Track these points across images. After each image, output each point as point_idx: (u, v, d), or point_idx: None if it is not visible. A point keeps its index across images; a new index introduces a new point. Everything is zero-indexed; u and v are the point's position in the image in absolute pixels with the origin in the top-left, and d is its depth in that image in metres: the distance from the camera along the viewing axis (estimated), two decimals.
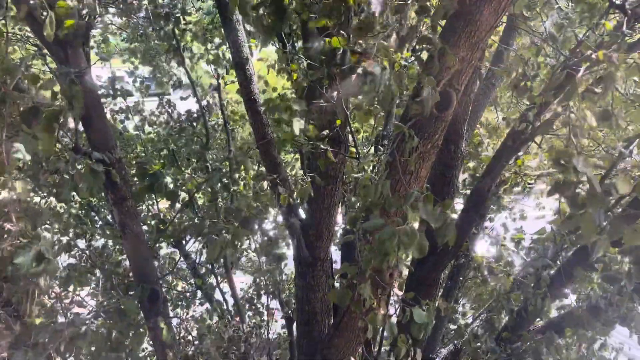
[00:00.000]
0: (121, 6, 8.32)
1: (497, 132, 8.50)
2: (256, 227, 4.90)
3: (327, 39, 3.29)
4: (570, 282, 5.85)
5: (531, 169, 7.38)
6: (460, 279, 7.42)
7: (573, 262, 5.75)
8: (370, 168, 5.39)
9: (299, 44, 5.41)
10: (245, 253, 8.50)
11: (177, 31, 7.78)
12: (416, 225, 2.76)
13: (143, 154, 7.94)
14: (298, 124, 3.58)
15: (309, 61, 4.01)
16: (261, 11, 3.89)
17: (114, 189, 5.00)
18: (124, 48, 10.32)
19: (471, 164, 7.69)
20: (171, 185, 5.50)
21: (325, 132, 4.45)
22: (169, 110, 8.88)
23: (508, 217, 8.97)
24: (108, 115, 7.68)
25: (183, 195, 6.43)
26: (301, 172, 4.58)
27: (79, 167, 4.59)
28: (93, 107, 4.72)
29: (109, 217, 8.42)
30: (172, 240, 7.56)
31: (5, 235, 4.10)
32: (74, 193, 5.05)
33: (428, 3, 3.30)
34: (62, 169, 4.50)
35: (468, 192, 7.16)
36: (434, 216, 2.84)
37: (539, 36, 5.37)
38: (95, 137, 4.82)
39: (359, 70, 2.96)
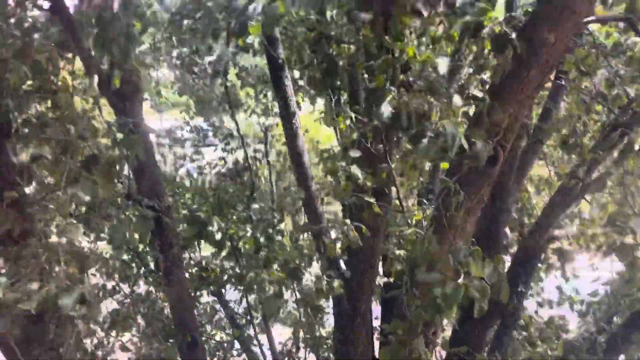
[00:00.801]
0: (176, 62, 8.85)
1: (546, 188, 8.29)
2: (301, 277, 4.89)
3: (394, 102, 3.35)
4: (626, 347, 5.49)
5: (585, 226, 7.11)
6: (507, 339, 7.06)
7: (630, 326, 5.42)
8: (415, 222, 5.34)
9: (345, 97, 5.56)
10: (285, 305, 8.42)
11: (228, 85, 8.17)
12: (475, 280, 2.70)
13: (190, 201, 8.17)
14: (358, 172, 3.64)
15: (356, 115, 4.11)
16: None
17: (162, 235, 5.12)
18: (176, 101, 10.87)
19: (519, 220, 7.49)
20: (218, 235, 5.60)
21: (370, 184, 4.47)
22: (217, 162, 9.18)
23: (558, 277, 8.58)
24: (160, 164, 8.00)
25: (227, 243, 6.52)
26: (345, 223, 4.58)
27: (129, 213, 4.76)
28: (146, 155, 4.94)
29: (152, 264, 8.59)
30: (212, 288, 7.61)
31: (53, 277, 4.24)
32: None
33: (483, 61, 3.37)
34: (115, 215, 4.68)
35: (515, 249, 6.94)
36: (487, 272, 2.77)
37: (588, 94, 5.32)
38: (146, 184, 5.00)
39: (430, 133, 3.01)
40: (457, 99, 3.22)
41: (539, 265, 7.48)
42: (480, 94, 3.24)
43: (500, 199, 5.85)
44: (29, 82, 4.04)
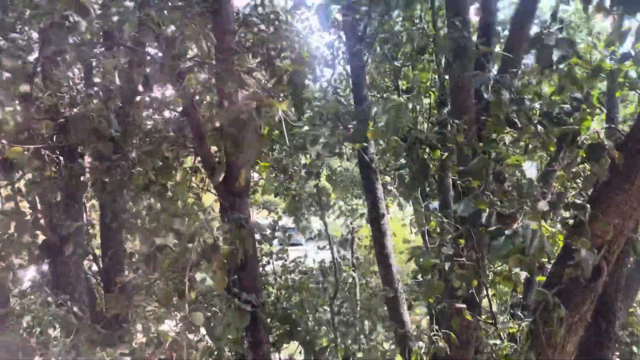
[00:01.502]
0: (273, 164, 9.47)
1: None
2: None
3: (474, 201, 3.41)
4: None
5: None
6: None
7: None
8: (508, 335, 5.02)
9: (436, 203, 5.62)
10: None
11: (318, 185, 8.56)
12: None
13: (276, 300, 8.27)
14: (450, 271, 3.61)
15: (446, 219, 4.15)
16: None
17: (255, 331, 5.08)
18: (266, 199, 11.45)
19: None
20: (308, 337, 5.54)
21: (460, 292, 4.36)
22: (303, 261, 9.35)
23: None
24: None
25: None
26: (433, 329, 4.43)
27: (228, 306, 4.87)
28: (252, 250, 5.13)
29: None
30: None
31: None
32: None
33: (577, 169, 3.36)
34: (218, 306, 4.77)
35: None
36: None
37: None
38: (247, 278, 5.09)
39: (507, 232, 2.99)
40: (542, 204, 3.18)
41: None
42: (580, 202, 3.19)
43: (606, 320, 5.37)
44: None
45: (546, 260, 4.03)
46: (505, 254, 3.02)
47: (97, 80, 4.81)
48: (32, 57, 3.81)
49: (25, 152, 3.75)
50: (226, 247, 3.44)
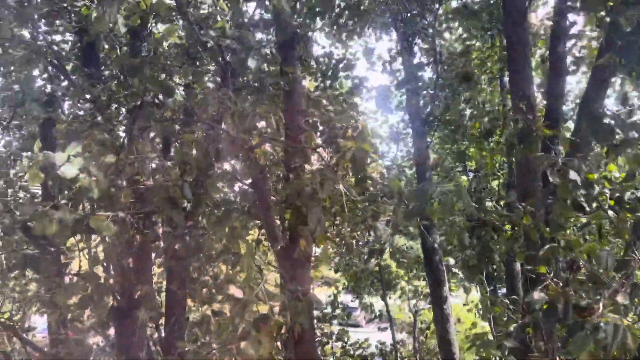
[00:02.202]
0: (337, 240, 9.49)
1: None
2: None
3: (547, 291, 3.24)
4: None
5: None
6: None
7: None
8: None
9: (503, 288, 5.36)
10: None
11: (381, 263, 8.44)
12: None
13: None
14: None
15: (513, 306, 3.94)
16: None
17: None
18: (327, 275, 11.35)
19: None
20: None
21: None
22: (363, 342, 9.05)
23: None
24: None
25: None
26: None
27: None
28: (309, 324, 5.07)
29: None
30: None
31: None
32: None
33: None
34: None
35: None
36: None
37: None
38: (302, 352, 5.01)
39: (587, 326, 2.79)
40: (622, 296, 2.95)
41: None
42: None
43: None
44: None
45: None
46: (585, 349, 2.80)
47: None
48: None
49: (107, 219, 4.04)
50: (278, 319, 3.44)
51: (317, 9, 7.61)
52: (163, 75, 4.60)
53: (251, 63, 3.63)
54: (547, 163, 3.65)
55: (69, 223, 3.62)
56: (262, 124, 3.95)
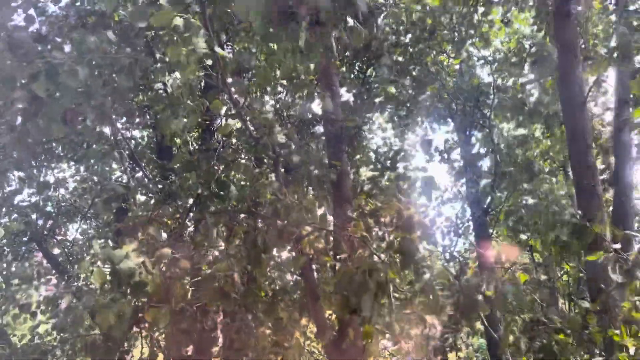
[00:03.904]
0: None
1: None
2: None
3: None
4: None
5: None
6: None
7: None
8: None
9: None
10: None
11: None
12: None
13: None
14: None
15: None
16: None
17: None
18: None
19: None
20: None
21: None
22: None
23: None
24: None
25: None
26: None
27: None
28: None
29: None
30: None
31: None
32: None
33: None
34: None
35: None
36: None
37: None
38: None
39: None
40: None
41: None
42: None
43: None
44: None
45: None
46: None
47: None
48: None
49: (163, 311, 4.14)
50: None
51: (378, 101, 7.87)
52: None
53: (296, 158, 3.79)
54: (611, 261, 3.40)
55: (127, 315, 3.75)
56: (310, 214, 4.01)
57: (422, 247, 3.80)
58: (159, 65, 5.35)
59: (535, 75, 7.93)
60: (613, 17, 6.42)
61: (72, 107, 4.10)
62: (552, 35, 6.17)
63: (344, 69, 7.37)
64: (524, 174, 7.57)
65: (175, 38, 3.27)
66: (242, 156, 5.00)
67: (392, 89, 8.03)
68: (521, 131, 8.79)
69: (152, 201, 5.16)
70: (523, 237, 7.68)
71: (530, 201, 7.39)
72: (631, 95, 6.23)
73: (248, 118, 3.98)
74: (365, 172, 6.71)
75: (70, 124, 4.29)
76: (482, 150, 8.68)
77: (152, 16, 3.15)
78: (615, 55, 5.56)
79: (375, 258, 3.79)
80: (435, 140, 12.80)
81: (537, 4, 7.31)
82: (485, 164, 8.90)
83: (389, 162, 6.76)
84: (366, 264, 3.77)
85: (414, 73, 7.81)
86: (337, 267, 4.08)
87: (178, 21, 3.04)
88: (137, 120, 7.69)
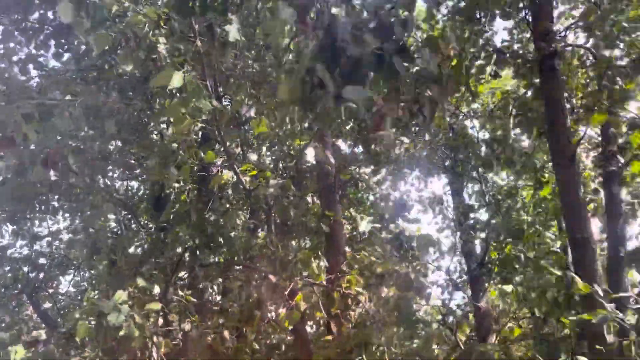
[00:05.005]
0: None
1: None
2: None
3: None
4: None
5: None
6: None
7: None
8: None
9: None
10: None
11: None
12: None
13: None
14: None
15: None
16: None
17: None
18: None
19: None
20: None
21: None
22: None
23: None
24: None
25: None
26: None
27: None
28: None
29: None
30: None
31: None
32: None
33: None
34: None
35: None
36: None
37: None
38: None
39: None
40: None
41: None
42: None
43: None
44: None
45: None
46: None
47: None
48: None
49: None
50: None
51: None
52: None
53: (292, 211, 3.77)
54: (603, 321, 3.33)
55: None
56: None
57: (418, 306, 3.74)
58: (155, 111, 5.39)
59: (521, 130, 8.06)
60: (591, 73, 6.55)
61: (52, 149, 4.10)
62: (536, 90, 6.27)
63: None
64: (512, 225, 7.56)
65: (174, 92, 3.31)
66: (234, 208, 4.98)
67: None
68: (511, 182, 8.83)
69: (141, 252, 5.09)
70: (520, 289, 7.56)
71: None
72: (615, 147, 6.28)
73: (240, 170, 3.99)
74: (363, 224, 6.65)
75: (51, 167, 4.26)
76: (476, 204, 8.69)
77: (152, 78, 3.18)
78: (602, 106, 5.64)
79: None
80: (428, 192, 12.73)
81: (520, 60, 7.49)
82: (483, 216, 8.88)
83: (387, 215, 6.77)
84: (361, 336, 3.66)
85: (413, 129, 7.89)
86: (329, 325, 3.97)
87: (178, 83, 3.07)
88: (137, 171, 7.67)
